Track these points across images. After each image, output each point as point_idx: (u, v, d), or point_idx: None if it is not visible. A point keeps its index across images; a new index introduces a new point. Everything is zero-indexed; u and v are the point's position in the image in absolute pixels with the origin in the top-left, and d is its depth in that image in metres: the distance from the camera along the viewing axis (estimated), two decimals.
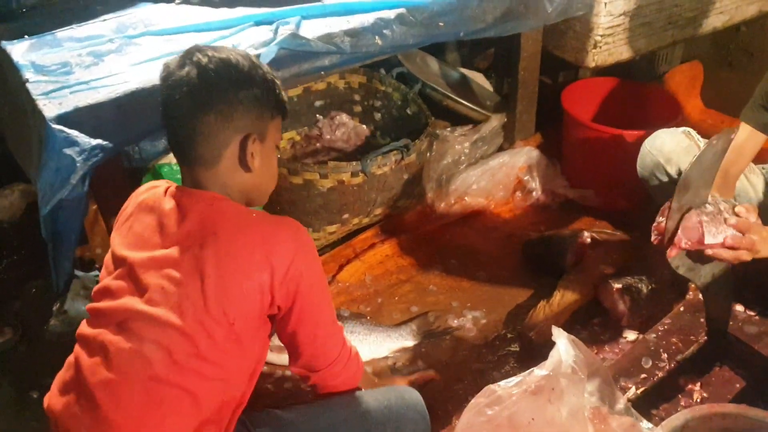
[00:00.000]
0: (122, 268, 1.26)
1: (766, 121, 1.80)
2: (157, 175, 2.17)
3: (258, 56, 1.51)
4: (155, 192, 1.33)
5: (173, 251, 1.22)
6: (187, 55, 1.25)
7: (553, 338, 1.58)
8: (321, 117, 2.66)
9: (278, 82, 1.33)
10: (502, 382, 1.56)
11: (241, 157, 1.27)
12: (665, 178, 1.96)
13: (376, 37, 1.89)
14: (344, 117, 2.66)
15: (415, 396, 1.55)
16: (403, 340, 2.04)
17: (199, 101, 1.22)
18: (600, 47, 2.36)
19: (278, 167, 2.13)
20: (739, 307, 2.01)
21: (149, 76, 1.65)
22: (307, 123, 2.67)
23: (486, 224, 2.53)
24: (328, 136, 2.64)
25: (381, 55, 1.98)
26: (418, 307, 2.19)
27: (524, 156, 2.60)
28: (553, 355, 1.53)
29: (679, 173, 1.91)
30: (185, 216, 1.25)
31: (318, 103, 2.66)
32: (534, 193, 2.62)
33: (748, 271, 2.08)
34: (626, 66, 2.59)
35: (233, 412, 1.30)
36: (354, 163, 2.18)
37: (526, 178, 2.62)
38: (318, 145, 2.63)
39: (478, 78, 2.95)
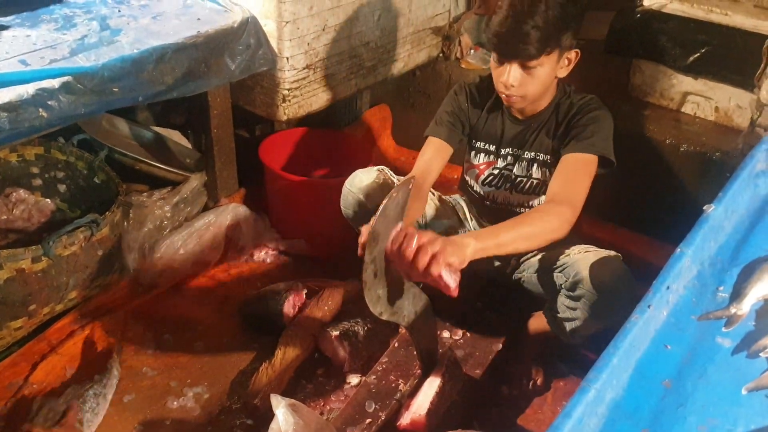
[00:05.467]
0: None
1: (447, 134, 2.01)
2: None
3: None
4: None
5: None
6: None
7: (273, 408, 1.53)
8: None
9: None
10: None
11: None
12: (367, 214, 2.06)
13: (40, 110, 1.69)
14: (22, 193, 2.36)
15: None
16: None
17: None
18: (289, 101, 2.39)
19: None
20: (446, 334, 2.16)
21: None
22: None
23: (199, 290, 2.41)
24: (5, 216, 2.32)
25: (50, 128, 1.78)
26: (133, 395, 2.00)
27: (231, 213, 2.53)
28: (273, 428, 1.49)
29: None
30: None
31: None
32: (246, 250, 2.56)
33: (444, 298, 2.26)
34: (324, 113, 2.67)
35: None
36: (34, 247, 1.93)
37: (235, 235, 2.55)
38: None
39: (175, 136, 2.83)
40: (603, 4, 2.73)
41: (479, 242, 1.54)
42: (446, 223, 2.16)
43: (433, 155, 1.99)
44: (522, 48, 1.73)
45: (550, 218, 1.69)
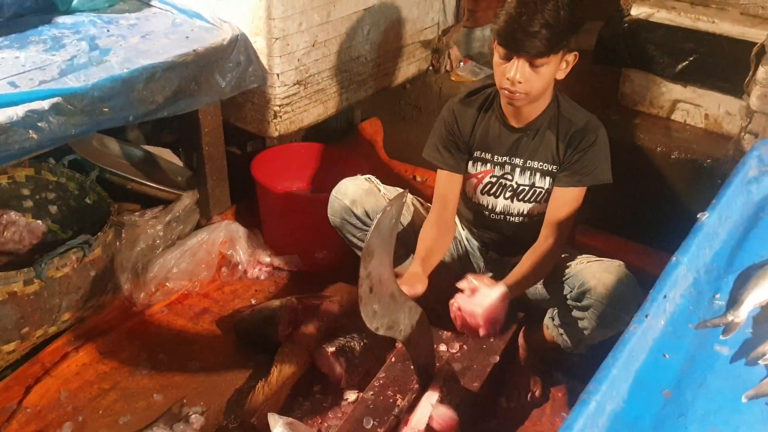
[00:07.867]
0: None
1: (452, 162, 2.03)
2: None
3: None
4: None
5: None
6: None
7: (270, 427, 1.52)
8: None
9: None
10: None
11: None
12: (354, 220, 2.11)
13: (30, 131, 1.70)
14: (13, 215, 2.35)
15: None
16: None
17: None
18: (280, 117, 2.39)
19: None
20: (442, 347, 2.15)
21: None
22: None
23: (193, 308, 2.39)
24: None
25: (40, 150, 1.78)
26: (128, 417, 1.98)
27: (223, 230, 2.52)
28: None
29: (365, 213, 2.06)
30: None
31: None
32: (240, 267, 2.55)
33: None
34: (316, 128, 2.67)
35: None
36: (26, 269, 1.92)
37: (229, 252, 2.54)
38: None
39: (166, 154, 2.82)
40: (590, 14, 2.75)
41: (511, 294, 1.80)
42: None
43: (446, 186, 2.04)
44: (533, 44, 1.73)
45: (554, 258, 1.93)
